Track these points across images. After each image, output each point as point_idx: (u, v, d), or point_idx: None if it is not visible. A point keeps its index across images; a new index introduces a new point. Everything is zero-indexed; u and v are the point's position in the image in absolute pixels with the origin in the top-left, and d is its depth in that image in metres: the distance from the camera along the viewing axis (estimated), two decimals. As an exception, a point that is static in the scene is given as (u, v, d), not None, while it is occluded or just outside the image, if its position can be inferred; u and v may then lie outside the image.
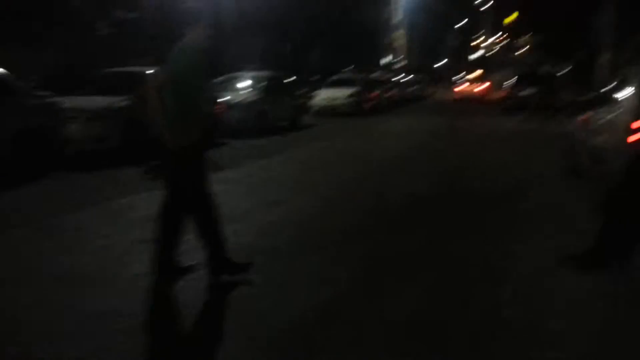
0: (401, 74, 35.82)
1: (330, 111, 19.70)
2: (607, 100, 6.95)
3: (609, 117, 6.30)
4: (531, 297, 3.69)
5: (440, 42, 57.58)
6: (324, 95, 20.24)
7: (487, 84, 32.12)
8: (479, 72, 39.77)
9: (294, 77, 17.14)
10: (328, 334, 3.14)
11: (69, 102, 8.73)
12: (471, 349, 3.01)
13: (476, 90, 31.34)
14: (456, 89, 32.19)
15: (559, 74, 21.68)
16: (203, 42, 3.92)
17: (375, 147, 11.79)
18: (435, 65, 55.07)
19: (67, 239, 4.98)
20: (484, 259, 4.46)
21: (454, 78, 41.01)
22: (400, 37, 49.05)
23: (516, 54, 64.90)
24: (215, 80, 14.00)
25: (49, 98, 8.31)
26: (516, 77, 23.78)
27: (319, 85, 21.52)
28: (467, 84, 33.95)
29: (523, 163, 9.44)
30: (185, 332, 3.35)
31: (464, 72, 42.61)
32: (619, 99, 6.36)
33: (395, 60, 48.33)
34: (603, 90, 7.47)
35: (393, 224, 5.57)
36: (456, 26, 62.25)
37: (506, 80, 26.64)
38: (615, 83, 7.17)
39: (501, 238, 5.05)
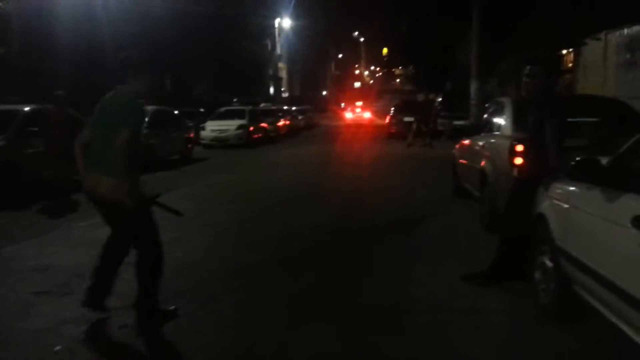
0: (288, 104, 36.53)
1: (220, 143, 19.53)
2: (485, 126, 7.58)
3: (489, 141, 6.85)
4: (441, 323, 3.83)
5: (320, 73, 59.57)
6: (213, 127, 20.02)
7: (370, 112, 34.63)
8: (359, 103, 42.67)
9: (177, 111, 16.80)
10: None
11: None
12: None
13: (364, 117, 34.74)
14: (347, 116, 35.16)
15: (436, 101, 23.19)
16: (138, 90, 3.85)
17: (266, 179, 11.74)
18: (322, 94, 56.98)
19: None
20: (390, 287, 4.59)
21: (342, 106, 43.34)
22: (282, 68, 50.03)
23: (395, 82, 68.69)
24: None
25: None
26: (395, 104, 25.20)
27: (205, 118, 21.25)
28: (355, 112, 37.27)
29: (413, 186, 9.91)
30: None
31: (347, 102, 45.02)
32: (496, 125, 6.96)
33: (282, 90, 49.19)
34: (483, 116, 8.09)
35: (289, 262, 5.53)
36: (335, 58, 64.84)
37: (388, 108, 28.05)
38: (490, 110, 7.85)
39: (401, 266, 5.24)
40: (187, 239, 6.13)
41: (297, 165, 14.37)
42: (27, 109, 9.78)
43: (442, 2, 22.36)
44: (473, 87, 18.52)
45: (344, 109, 42.74)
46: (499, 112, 7.02)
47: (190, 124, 16.99)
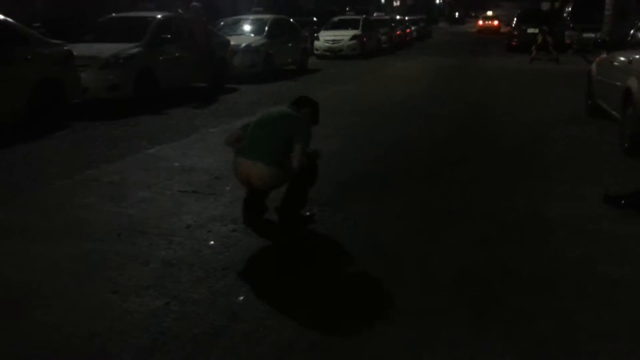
0: (401, 14, 35.13)
1: (333, 53, 19.40)
2: (633, 40, 6.88)
3: (634, 57, 6.23)
4: (583, 244, 3.73)
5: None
6: (326, 37, 19.84)
7: (489, 22, 33.29)
8: (489, 12, 41.36)
9: (294, 20, 16.73)
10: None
11: (78, 50, 8.43)
12: (535, 293, 3.08)
13: (481, 26, 34.59)
14: (462, 26, 35.14)
15: (564, 11, 21.19)
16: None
17: (382, 91, 11.61)
18: (435, 2, 54.02)
19: (109, 191, 4.95)
20: (526, 205, 4.51)
21: (456, 15, 41.64)
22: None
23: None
24: (216, 24, 13.67)
25: (61, 46, 8.04)
26: (517, 14, 23.38)
27: (317, 28, 21.06)
28: (483, 21, 36.87)
29: (541, 105, 9.39)
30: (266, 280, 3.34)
31: (462, 11, 42.91)
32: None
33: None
34: (630, 31, 7.35)
35: (418, 174, 5.58)
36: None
37: (508, 18, 26.20)
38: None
39: (540, 182, 5.10)
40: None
41: (413, 77, 14.04)
42: (160, 16, 10.22)
43: None
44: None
45: (459, 19, 41.09)
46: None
47: (306, 34, 16.95)
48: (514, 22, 22.48)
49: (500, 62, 17.78)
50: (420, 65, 17.47)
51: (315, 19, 23.15)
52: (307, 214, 4.23)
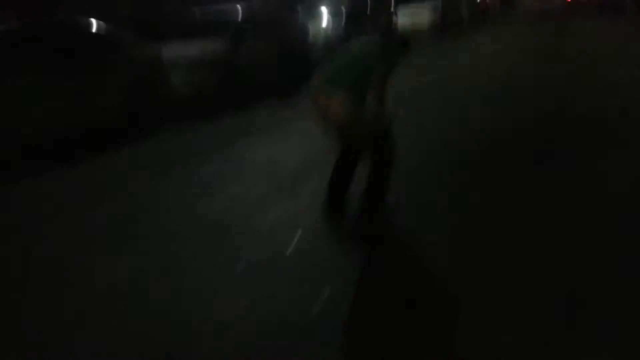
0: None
1: (414, 30, 18.70)
2: None
3: None
4: None
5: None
6: (405, 13, 19.14)
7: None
8: None
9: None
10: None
11: (165, 49, 8.56)
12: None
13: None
14: None
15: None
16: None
17: (466, 73, 10.94)
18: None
19: (205, 188, 5.09)
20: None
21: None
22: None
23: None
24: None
25: (151, 47, 8.25)
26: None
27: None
28: None
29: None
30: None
31: None
32: None
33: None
34: None
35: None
36: None
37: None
38: None
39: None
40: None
41: (493, 56, 13.29)
42: (242, 7, 10.10)
43: None
44: None
45: None
46: None
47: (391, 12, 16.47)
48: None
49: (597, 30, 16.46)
50: (511, 39, 16.51)
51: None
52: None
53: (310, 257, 3.54)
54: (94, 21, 7.58)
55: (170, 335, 2.77)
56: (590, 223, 3.71)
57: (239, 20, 9.83)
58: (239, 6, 10.19)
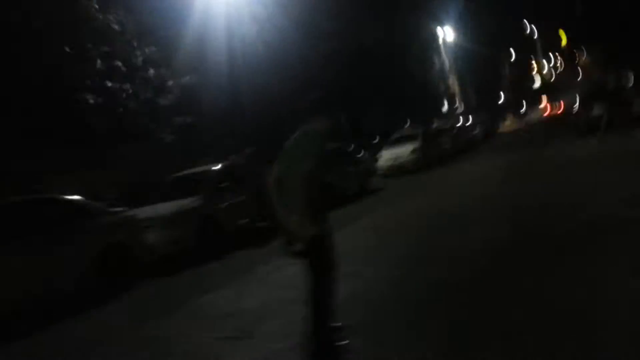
0: (463, 118, 35.55)
1: (397, 170, 19.65)
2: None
3: None
4: None
5: (495, 79, 56.96)
6: (387, 156, 20.30)
7: (553, 108, 32.91)
8: (544, 98, 40.98)
9: (353, 146, 17.33)
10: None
11: (143, 212, 9.18)
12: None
13: (553, 113, 34.28)
14: (526, 118, 35.05)
15: (628, 85, 20.53)
16: (326, 129, 3.98)
17: (435, 204, 11.14)
18: (499, 101, 54.58)
19: (159, 347, 5.08)
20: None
21: (522, 109, 41.61)
22: (453, 83, 48.97)
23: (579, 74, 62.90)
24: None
25: (125, 212, 8.79)
26: (580, 97, 22.87)
27: (380, 146, 21.67)
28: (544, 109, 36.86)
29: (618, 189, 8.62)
30: None
31: (530, 102, 43.02)
32: None
33: (455, 105, 48.15)
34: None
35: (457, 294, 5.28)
36: (507, 61, 61.65)
37: (574, 101, 25.63)
38: None
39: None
40: (365, 272, 6.20)
41: (472, 182, 13.71)
42: (217, 167, 11.03)
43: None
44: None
45: (523, 111, 41.23)
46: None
47: (366, 157, 17.44)
48: (577, 104, 22.00)
49: (566, 148, 17.09)
50: (480, 168, 17.16)
51: (377, 139, 23.91)
52: (343, 342, 3.99)
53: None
54: (71, 197, 8.20)
55: None
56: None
57: (217, 178, 10.53)
58: (214, 167, 11.01)
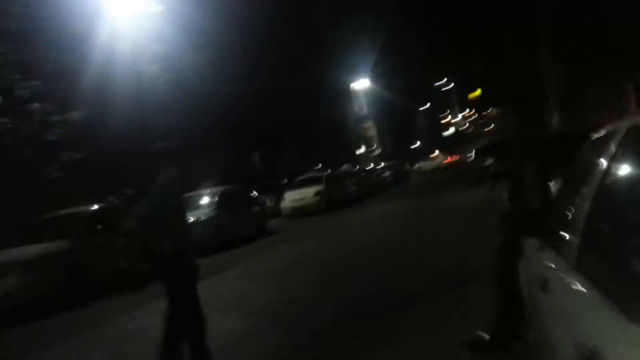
0: (376, 162, 36.67)
1: (300, 211, 19.76)
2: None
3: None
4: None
5: (410, 126, 59.31)
6: (291, 197, 20.41)
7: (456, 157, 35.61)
8: (436, 152, 44.79)
9: (252, 189, 17.30)
10: None
11: (3, 254, 8.59)
12: None
13: (446, 162, 37.68)
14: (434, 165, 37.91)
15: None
16: (176, 177, 4.38)
17: (326, 247, 11.32)
18: (411, 147, 56.57)
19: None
20: None
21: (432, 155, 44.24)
22: (370, 127, 50.43)
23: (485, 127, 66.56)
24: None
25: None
26: (474, 149, 24.19)
27: (285, 188, 21.80)
28: (438, 159, 40.14)
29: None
30: None
31: (437, 151, 45.70)
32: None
33: (371, 149, 49.45)
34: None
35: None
36: (421, 109, 64.39)
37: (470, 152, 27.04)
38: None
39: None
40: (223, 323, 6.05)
41: (369, 227, 14.02)
42: (92, 208, 10.58)
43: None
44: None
45: (434, 158, 44.26)
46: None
47: (263, 199, 17.45)
48: (472, 155, 23.19)
49: (460, 196, 17.89)
50: (381, 212, 17.62)
51: (285, 180, 24.01)
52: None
53: None
54: None
55: None
56: None
57: (89, 220, 10.13)
58: (93, 207, 10.57)
